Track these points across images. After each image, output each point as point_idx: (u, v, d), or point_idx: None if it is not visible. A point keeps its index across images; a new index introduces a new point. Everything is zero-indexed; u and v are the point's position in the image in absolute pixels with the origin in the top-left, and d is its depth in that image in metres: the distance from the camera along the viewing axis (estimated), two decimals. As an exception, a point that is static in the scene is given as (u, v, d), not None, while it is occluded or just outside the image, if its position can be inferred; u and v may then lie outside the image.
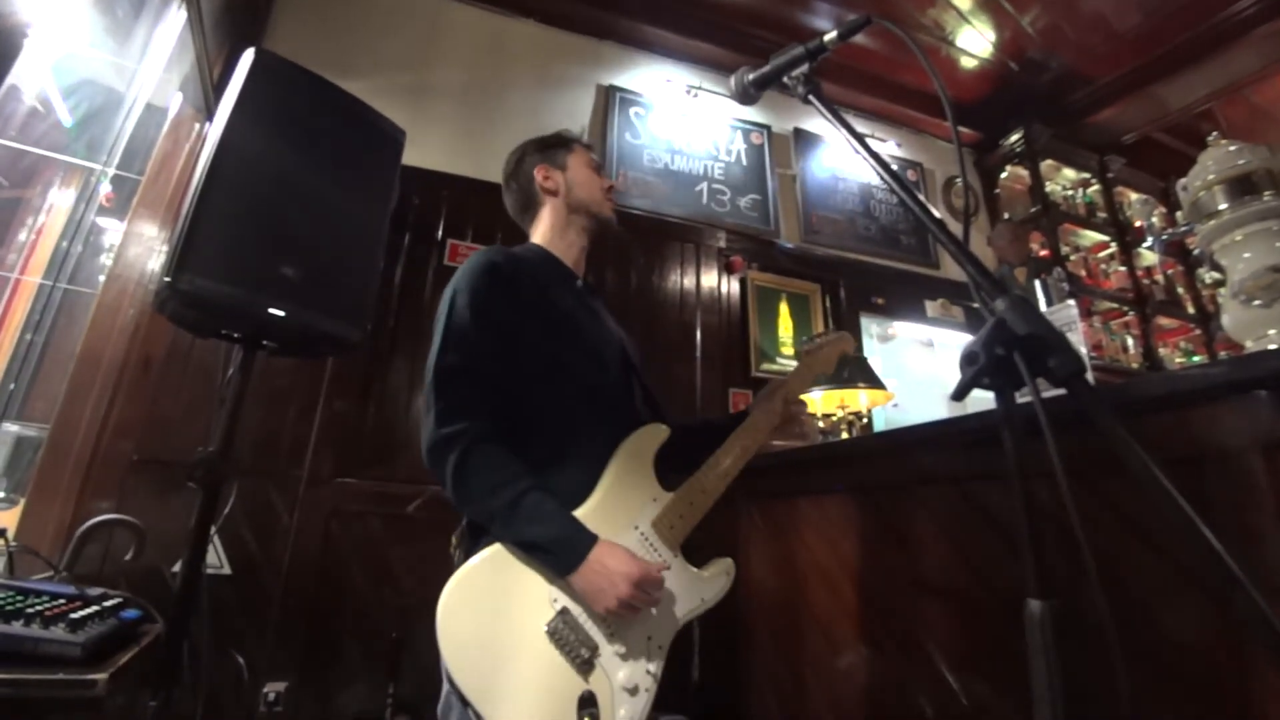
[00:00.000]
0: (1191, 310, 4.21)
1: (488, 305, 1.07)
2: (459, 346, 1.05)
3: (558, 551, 0.97)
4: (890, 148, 3.92)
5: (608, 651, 0.98)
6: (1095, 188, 4.22)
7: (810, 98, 0.82)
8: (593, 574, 0.96)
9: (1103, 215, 4.15)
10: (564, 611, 0.98)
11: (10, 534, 1.44)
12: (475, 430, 1.00)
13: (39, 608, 1.00)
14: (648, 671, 0.99)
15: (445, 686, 0.98)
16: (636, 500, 1.09)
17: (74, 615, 1.01)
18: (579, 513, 1.04)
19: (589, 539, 0.98)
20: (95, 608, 1.09)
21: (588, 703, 0.93)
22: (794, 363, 3.01)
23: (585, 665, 0.95)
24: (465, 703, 0.91)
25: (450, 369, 1.03)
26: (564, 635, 0.96)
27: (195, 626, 1.41)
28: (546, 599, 0.98)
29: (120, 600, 1.21)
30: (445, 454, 0.99)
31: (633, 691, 0.96)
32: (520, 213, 1.36)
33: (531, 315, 1.12)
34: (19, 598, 1.04)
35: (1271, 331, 1.12)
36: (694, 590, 1.07)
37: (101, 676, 0.93)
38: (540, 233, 1.32)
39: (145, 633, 1.23)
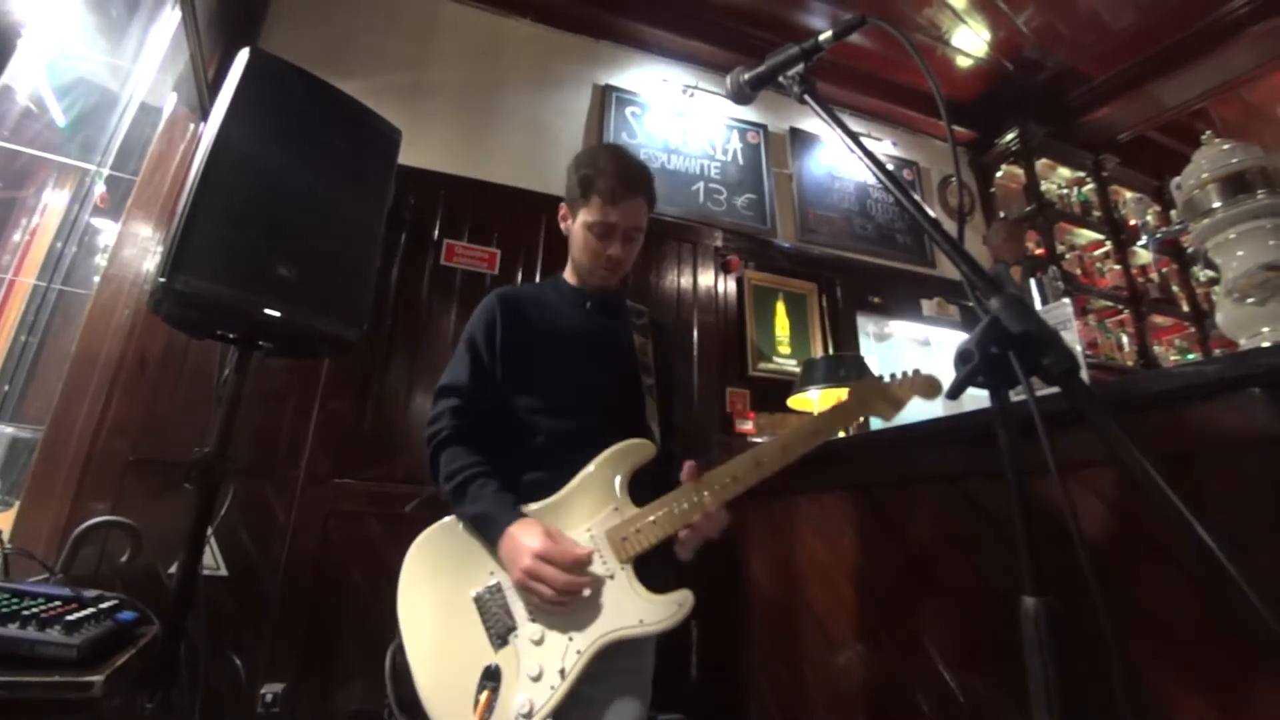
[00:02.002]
0: (1186, 308, 4.23)
1: (477, 339, 1.25)
2: (451, 370, 1.25)
3: (484, 526, 1.08)
4: (886, 147, 3.93)
5: (524, 634, 1.01)
6: (1090, 186, 4.24)
7: (805, 97, 0.82)
8: (507, 545, 1.03)
9: (1098, 214, 4.16)
10: (496, 585, 1.06)
11: (5, 536, 1.43)
12: (446, 433, 1.18)
13: (35, 610, 0.99)
14: (559, 669, 0.97)
15: None
16: (596, 506, 1.11)
17: (70, 617, 1.00)
18: (538, 505, 1.12)
19: (511, 515, 1.06)
20: (91, 609, 1.09)
21: (492, 675, 0.97)
22: (790, 362, 3.03)
23: (499, 640, 1.01)
24: (399, 632, 1.04)
25: (440, 387, 1.24)
26: (488, 605, 1.04)
27: (192, 628, 1.41)
28: (485, 570, 1.08)
29: (116, 602, 1.21)
30: (429, 448, 1.18)
31: (535, 678, 0.97)
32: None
33: (520, 342, 1.25)
34: (15, 600, 1.03)
35: (1265, 329, 1.12)
36: (633, 608, 1.01)
37: (98, 678, 0.93)
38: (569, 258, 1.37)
39: (142, 634, 1.23)
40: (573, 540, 1.04)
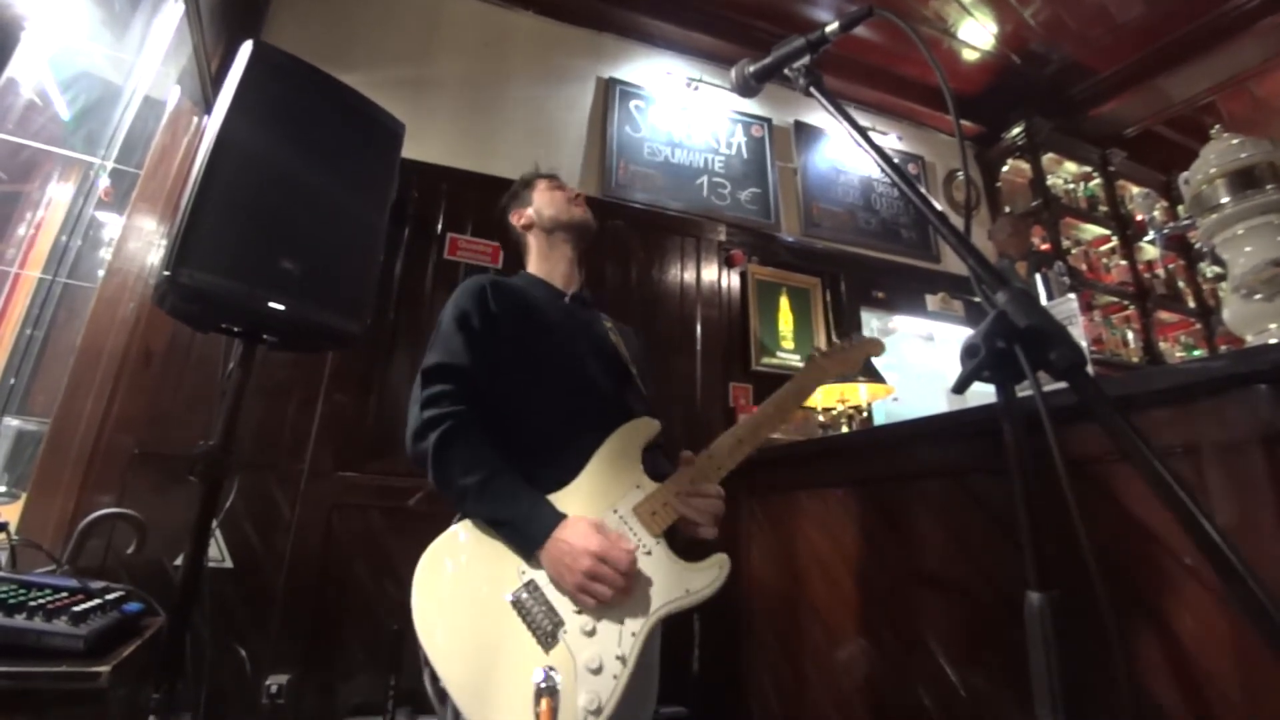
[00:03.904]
0: (1192, 304, 4.20)
1: (471, 316, 1.19)
2: (444, 349, 1.16)
3: (521, 529, 1.01)
4: (891, 141, 3.90)
5: (574, 627, 0.96)
6: (1096, 181, 4.21)
7: (811, 90, 0.81)
8: (556, 550, 0.98)
9: (1104, 209, 4.13)
10: (530, 584, 1.00)
11: (12, 528, 1.44)
12: (457, 415, 1.08)
13: (42, 601, 1.00)
14: (617, 656, 0.94)
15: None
16: (619, 486, 1.10)
17: (77, 609, 1.01)
18: (558, 494, 1.07)
19: (553, 518, 1.01)
20: (98, 601, 1.10)
21: (548, 679, 0.90)
22: (793, 356, 3.02)
23: (548, 638, 0.95)
24: (427, 661, 0.95)
25: (435, 366, 1.14)
26: (528, 606, 0.97)
27: (197, 619, 1.42)
28: (515, 570, 1.01)
29: (122, 593, 1.22)
30: (427, 434, 1.06)
31: (596, 671, 0.93)
32: (522, 256, 1.48)
33: (514, 325, 1.21)
34: (22, 591, 1.04)
35: (1272, 325, 1.12)
36: (678, 580, 1.02)
37: (104, 669, 0.94)
38: (531, 263, 1.44)
39: (148, 626, 1.24)
40: (618, 534, 1.01)
